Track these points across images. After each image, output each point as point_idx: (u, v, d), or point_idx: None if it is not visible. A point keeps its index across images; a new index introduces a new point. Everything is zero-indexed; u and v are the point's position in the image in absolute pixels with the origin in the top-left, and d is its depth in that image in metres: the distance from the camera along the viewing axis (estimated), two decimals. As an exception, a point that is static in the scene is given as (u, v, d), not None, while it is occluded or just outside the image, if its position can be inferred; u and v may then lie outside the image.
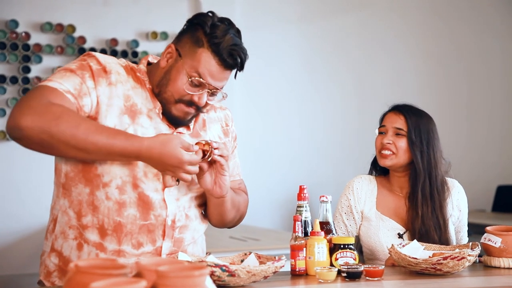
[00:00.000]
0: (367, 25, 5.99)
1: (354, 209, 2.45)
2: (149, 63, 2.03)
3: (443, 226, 2.39)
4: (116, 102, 1.88)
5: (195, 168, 1.83)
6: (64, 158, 1.89)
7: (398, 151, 2.41)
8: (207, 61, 1.88)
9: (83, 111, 1.84)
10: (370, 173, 2.56)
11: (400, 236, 2.41)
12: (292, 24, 5.74)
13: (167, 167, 1.80)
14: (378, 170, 2.54)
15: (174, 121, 1.95)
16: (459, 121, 6.25)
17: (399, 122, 2.43)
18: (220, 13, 1.99)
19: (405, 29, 6.10)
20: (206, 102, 1.93)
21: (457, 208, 2.48)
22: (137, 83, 1.95)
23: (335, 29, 5.88)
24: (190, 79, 1.88)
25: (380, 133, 2.48)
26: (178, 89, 1.90)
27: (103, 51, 5.03)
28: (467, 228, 2.54)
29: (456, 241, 2.49)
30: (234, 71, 1.96)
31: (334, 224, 2.19)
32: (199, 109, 1.95)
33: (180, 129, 1.98)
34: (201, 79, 1.89)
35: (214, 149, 1.87)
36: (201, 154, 1.84)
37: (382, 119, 2.51)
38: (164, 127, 1.94)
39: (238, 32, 1.95)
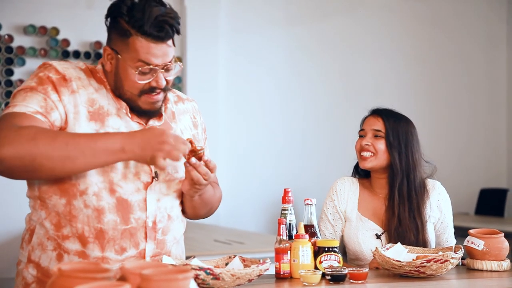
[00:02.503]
0: (353, 28, 6.01)
1: (338, 209, 2.48)
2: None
3: (420, 227, 2.41)
4: (81, 109, 1.85)
5: (183, 146, 1.76)
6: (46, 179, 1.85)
7: (377, 153, 2.45)
8: (142, 46, 1.82)
9: (55, 126, 1.81)
10: (353, 176, 2.59)
11: (378, 237, 2.43)
12: (278, 26, 5.75)
13: (154, 145, 1.74)
14: (360, 173, 2.57)
15: (146, 115, 1.92)
16: (442, 125, 6.29)
17: (378, 124, 2.48)
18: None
19: (393, 31, 6.14)
20: (167, 80, 1.89)
21: (438, 210, 2.49)
22: (100, 84, 1.91)
23: (320, 32, 5.90)
24: (137, 71, 1.83)
25: (360, 136, 2.53)
26: (133, 84, 1.86)
27: (87, 54, 5.01)
28: (453, 230, 2.56)
29: (440, 243, 2.51)
30: (170, 40, 1.88)
31: (319, 226, 2.20)
32: (165, 89, 1.90)
33: (151, 122, 1.94)
34: (147, 66, 1.84)
35: (198, 150, 1.85)
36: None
37: (362, 123, 2.56)
38: (135, 125, 1.91)
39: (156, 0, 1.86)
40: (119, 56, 1.85)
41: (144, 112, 1.91)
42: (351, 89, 5.96)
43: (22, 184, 1.91)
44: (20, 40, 4.85)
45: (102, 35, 5.22)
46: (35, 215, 1.91)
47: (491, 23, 6.50)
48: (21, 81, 4.80)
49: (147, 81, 1.85)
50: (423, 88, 6.25)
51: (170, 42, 1.87)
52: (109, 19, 1.88)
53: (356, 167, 2.58)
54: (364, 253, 2.41)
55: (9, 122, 1.74)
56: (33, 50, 4.86)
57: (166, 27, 1.82)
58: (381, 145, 2.46)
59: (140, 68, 1.83)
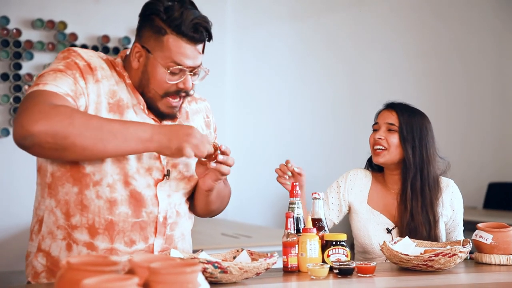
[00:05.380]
0: (360, 21, 5.99)
1: (341, 196, 2.48)
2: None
3: (432, 223, 2.41)
4: (103, 99, 1.86)
5: (206, 145, 1.80)
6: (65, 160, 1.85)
7: (390, 147, 2.43)
8: (176, 45, 1.85)
9: None
10: (367, 168, 2.59)
11: (389, 231, 2.43)
12: (284, 22, 5.73)
13: (182, 137, 1.76)
14: (374, 167, 2.56)
15: (162, 116, 1.94)
16: (450, 119, 6.27)
17: (392, 118, 2.46)
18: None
19: (398, 26, 6.12)
20: (192, 84, 1.92)
21: (450, 208, 2.48)
22: (120, 77, 1.92)
23: (327, 26, 5.88)
24: (168, 70, 1.86)
25: (374, 130, 2.51)
26: (160, 83, 1.88)
27: (94, 48, 5.01)
28: (462, 228, 2.55)
29: (449, 240, 2.50)
30: (202, 44, 1.91)
31: (325, 219, 2.20)
32: (187, 94, 1.93)
33: (165, 122, 1.97)
34: (179, 66, 1.86)
35: (221, 152, 1.87)
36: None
37: (376, 116, 2.54)
38: (150, 121, 1.92)
39: (191, 3, 1.90)
40: (150, 54, 1.87)
41: (161, 114, 1.93)
42: (359, 83, 5.94)
43: (26, 179, 1.91)
44: (28, 34, 4.86)
45: (109, 29, 5.25)
46: (43, 203, 1.91)
47: (501, 14, 6.46)
48: (29, 75, 4.81)
49: (176, 81, 1.88)
50: (431, 81, 6.22)
51: (200, 47, 1.90)
52: (142, 17, 1.90)
53: (370, 160, 2.57)
54: (373, 247, 2.41)
55: (43, 99, 1.72)
56: (41, 44, 4.87)
57: (201, 29, 1.86)
58: (394, 139, 2.44)
59: (171, 68, 1.85)
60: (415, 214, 2.40)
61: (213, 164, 1.87)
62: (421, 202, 2.41)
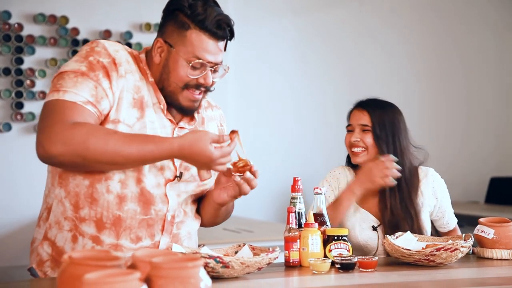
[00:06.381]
0: (361, 18, 5.98)
1: (333, 192, 2.49)
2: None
3: (414, 216, 2.41)
4: (126, 94, 1.86)
5: (228, 159, 1.82)
6: None
7: (368, 147, 2.45)
8: (199, 40, 1.87)
9: (103, 115, 1.83)
10: (348, 166, 2.59)
11: (374, 228, 2.43)
12: (285, 18, 5.72)
13: (201, 165, 1.81)
14: (354, 165, 2.56)
15: (183, 111, 1.94)
16: (452, 113, 6.26)
17: (364, 118, 2.48)
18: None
19: (398, 22, 6.10)
20: (213, 81, 1.93)
21: (433, 196, 2.48)
22: (143, 74, 1.93)
23: (328, 22, 5.87)
24: (190, 64, 1.87)
25: (348, 131, 2.53)
26: (181, 77, 1.88)
27: (96, 43, 5.00)
28: (452, 211, 2.55)
29: (441, 226, 2.51)
30: (224, 42, 1.93)
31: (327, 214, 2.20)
32: (208, 89, 1.94)
33: (182, 124, 1.97)
34: (201, 60, 1.87)
35: (250, 171, 1.89)
36: (234, 144, 1.82)
37: (348, 117, 2.56)
38: (167, 123, 1.93)
39: (215, 2, 1.93)
40: (172, 48, 1.88)
41: (181, 108, 1.93)
42: (360, 78, 5.93)
43: (27, 175, 1.92)
44: (29, 29, 4.85)
45: (111, 24, 5.24)
46: (52, 191, 1.92)
47: (502, 12, 6.45)
48: (31, 69, 4.80)
49: (197, 76, 1.89)
50: (432, 77, 6.21)
51: (222, 44, 1.92)
52: (166, 13, 1.92)
53: (349, 158, 2.58)
54: (360, 244, 2.42)
55: (61, 115, 1.75)
56: (43, 39, 4.86)
57: (223, 26, 1.88)
58: (369, 139, 2.46)
59: (193, 62, 1.86)
60: (394, 210, 2.40)
61: (238, 178, 1.89)
62: (399, 197, 2.42)
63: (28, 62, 4.84)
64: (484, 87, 6.42)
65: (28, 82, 4.81)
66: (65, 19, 4.92)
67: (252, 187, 1.92)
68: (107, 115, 1.83)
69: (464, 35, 6.34)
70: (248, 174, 1.89)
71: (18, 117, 4.75)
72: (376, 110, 2.47)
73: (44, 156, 1.74)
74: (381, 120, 2.45)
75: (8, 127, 4.74)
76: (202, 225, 2.12)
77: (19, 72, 4.80)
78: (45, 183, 1.97)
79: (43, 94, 4.81)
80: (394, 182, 2.33)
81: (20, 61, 4.80)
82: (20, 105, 4.76)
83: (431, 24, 6.20)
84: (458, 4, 6.32)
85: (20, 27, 4.82)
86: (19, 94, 4.78)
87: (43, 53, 4.87)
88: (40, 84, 4.84)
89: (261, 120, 5.64)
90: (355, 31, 5.96)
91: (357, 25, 5.96)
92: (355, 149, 2.47)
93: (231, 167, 1.89)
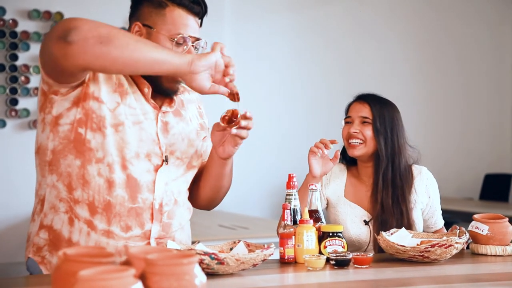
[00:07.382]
0: (356, 14, 5.99)
1: (322, 190, 2.49)
2: None
3: (405, 213, 2.41)
4: (110, 77, 1.89)
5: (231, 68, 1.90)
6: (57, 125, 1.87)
7: (366, 140, 2.45)
8: (179, 16, 1.91)
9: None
10: (341, 162, 2.59)
11: (366, 223, 2.44)
12: (281, 15, 5.72)
13: (207, 66, 1.81)
14: (347, 160, 2.56)
15: (165, 93, 1.96)
16: (447, 111, 6.27)
17: (364, 111, 2.48)
18: (210, 4, 2.00)
19: (394, 18, 6.11)
20: None
21: (426, 194, 2.49)
22: None
23: (324, 19, 5.87)
24: (174, 40, 1.89)
25: (346, 123, 2.52)
26: None
27: (91, 39, 4.99)
28: (441, 212, 2.56)
29: (429, 226, 2.52)
30: (200, 18, 1.97)
31: (322, 210, 2.20)
32: None
33: (164, 108, 1.98)
34: (183, 35, 1.90)
35: (244, 118, 1.91)
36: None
37: (347, 109, 2.56)
38: (149, 108, 1.94)
39: None
40: (152, 29, 1.91)
41: (163, 90, 1.95)
42: (356, 75, 5.94)
43: (24, 171, 1.92)
44: (24, 25, 4.84)
45: (105, 20, 5.19)
46: (44, 182, 1.92)
47: (497, 6, 6.46)
48: (25, 66, 4.79)
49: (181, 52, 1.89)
50: (428, 74, 6.22)
51: (199, 21, 1.96)
52: None
53: (343, 153, 2.57)
54: (352, 239, 2.42)
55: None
56: (38, 35, 4.85)
57: (200, 1, 1.93)
58: (369, 131, 2.45)
59: (176, 38, 1.89)
60: (385, 205, 2.41)
61: (234, 130, 1.91)
62: (392, 193, 2.42)
63: (23, 58, 4.83)
64: (479, 84, 6.44)
65: (22, 78, 4.80)
66: (60, 15, 4.91)
67: (249, 129, 1.95)
68: (87, 86, 1.84)
69: (460, 31, 6.35)
70: (243, 122, 1.91)
71: (13, 113, 4.74)
72: (377, 104, 2.48)
73: (66, 30, 1.67)
74: (381, 114, 2.46)
75: (2, 124, 4.74)
76: (201, 201, 2.12)
77: (14, 68, 4.79)
78: (35, 180, 1.97)
79: (38, 90, 4.80)
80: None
81: (14, 57, 4.79)
82: (14, 102, 4.76)
83: (427, 20, 6.21)
84: (454, 0, 6.33)
85: (15, 23, 4.81)
86: (13, 91, 4.77)
87: (38, 49, 4.82)
88: (35, 81, 4.83)
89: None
90: (351, 27, 5.97)
91: (354, 22, 5.97)
92: (353, 141, 2.46)
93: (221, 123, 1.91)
